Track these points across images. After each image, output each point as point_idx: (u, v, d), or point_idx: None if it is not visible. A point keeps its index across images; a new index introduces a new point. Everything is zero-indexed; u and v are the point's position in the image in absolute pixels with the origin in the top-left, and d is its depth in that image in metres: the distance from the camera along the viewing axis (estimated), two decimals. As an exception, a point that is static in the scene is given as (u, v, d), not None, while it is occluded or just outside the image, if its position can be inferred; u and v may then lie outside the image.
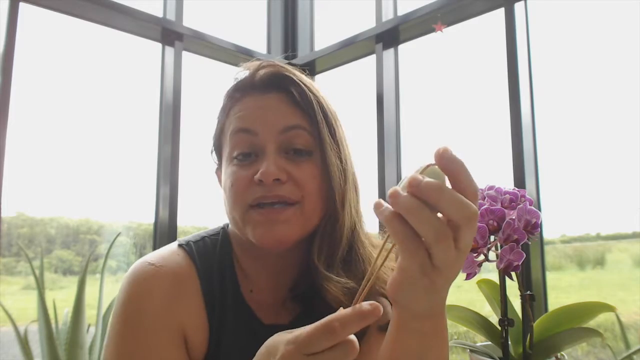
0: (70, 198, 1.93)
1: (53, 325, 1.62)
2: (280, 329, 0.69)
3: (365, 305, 0.43)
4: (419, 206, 0.39)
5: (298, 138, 0.68)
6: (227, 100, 0.74)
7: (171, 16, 2.06)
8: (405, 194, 0.40)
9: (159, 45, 2.03)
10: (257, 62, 0.73)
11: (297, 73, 0.73)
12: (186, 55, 2.09)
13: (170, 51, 2.04)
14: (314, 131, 0.69)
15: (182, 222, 1.96)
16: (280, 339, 0.46)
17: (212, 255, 0.74)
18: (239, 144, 0.68)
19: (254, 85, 0.71)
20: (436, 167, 0.41)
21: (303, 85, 0.70)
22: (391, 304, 0.51)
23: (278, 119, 0.68)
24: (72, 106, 1.93)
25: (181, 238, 0.77)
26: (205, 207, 2.11)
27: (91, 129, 1.96)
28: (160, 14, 2.05)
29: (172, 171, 1.96)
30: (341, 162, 0.70)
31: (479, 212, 0.63)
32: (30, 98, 1.78)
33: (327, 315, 0.46)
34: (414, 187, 0.39)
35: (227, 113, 0.72)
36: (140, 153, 2.05)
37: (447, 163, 0.41)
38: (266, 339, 0.68)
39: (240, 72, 0.74)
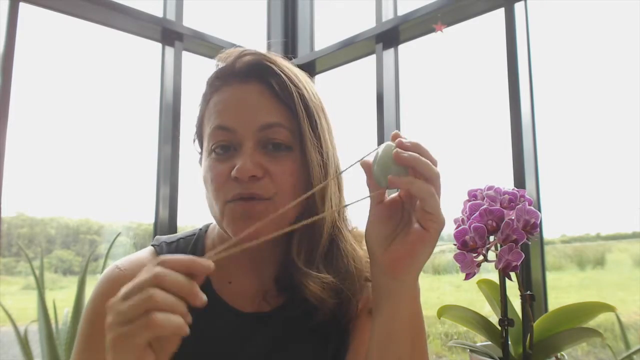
0: (70, 198, 1.93)
1: (53, 325, 1.62)
2: (262, 316, 0.71)
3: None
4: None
5: (277, 134, 0.66)
6: (207, 88, 0.72)
7: (171, 16, 2.06)
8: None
9: (159, 45, 2.03)
10: (239, 50, 0.72)
11: (280, 62, 0.70)
12: (186, 55, 2.09)
13: (170, 51, 2.04)
14: (294, 126, 0.67)
15: (182, 222, 1.96)
16: None
17: None
18: (217, 140, 0.67)
19: (234, 73, 0.69)
20: (388, 143, 0.55)
21: (284, 76, 0.68)
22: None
23: (256, 116, 0.66)
24: (72, 106, 1.93)
25: (160, 237, 0.78)
26: (205, 207, 2.11)
27: (91, 129, 1.96)
28: (160, 14, 2.05)
29: (172, 171, 1.96)
30: (322, 156, 0.69)
31: (479, 211, 0.63)
32: (30, 98, 1.78)
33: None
34: (403, 144, 0.54)
35: (207, 102, 0.71)
36: (140, 153, 2.05)
37: (408, 149, 0.54)
38: (246, 326, 0.71)
39: (221, 59, 0.72)
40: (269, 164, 0.65)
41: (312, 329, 0.70)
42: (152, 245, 0.76)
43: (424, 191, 0.52)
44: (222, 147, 0.66)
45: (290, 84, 0.68)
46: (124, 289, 0.44)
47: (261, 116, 0.66)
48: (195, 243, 0.77)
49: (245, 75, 0.69)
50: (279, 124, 0.66)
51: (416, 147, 0.54)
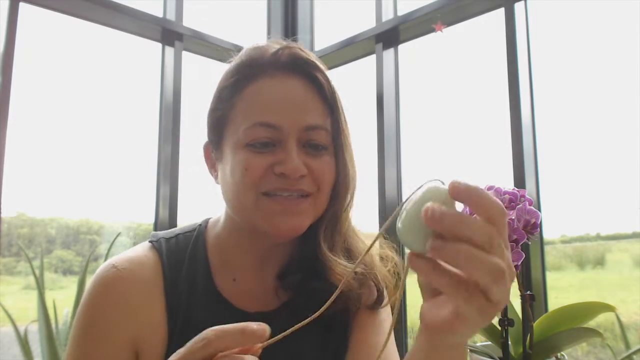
0: (70, 198, 1.93)
1: (53, 325, 1.62)
2: (267, 315, 0.70)
3: (252, 324, 0.42)
4: (473, 251, 0.35)
5: (318, 136, 0.67)
6: (239, 76, 0.68)
7: (171, 16, 2.06)
8: (443, 242, 0.36)
9: (159, 45, 2.03)
10: (279, 42, 0.71)
11: (317, 59, 0.70)
12: (186, 55, 2.09)
13: (170, 51, 2.04)
14: (334, 128, 0.68)
15: (182, 222, 1.96)
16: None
17: (182, 254, 0.72)
18: (259, 136, 0.65)
19: (276, 65, 0.67)
20: (435, 186, 0.38)
21: (325, 73, 0.69)
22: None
23: (303, 116, 0.66)
24: (72, 106, 1.92)
25: (157, 232, 0.75)
26: (205, 207, 2.11)
27: (91, 129, 1.96)
28: (160, 14, 2.05)
29: (172, 171, 1.96)
30: (352, 153, 0.72)
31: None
32: (30, 98, 1.78)
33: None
34: (437, 221, 0.35)
35: (241, 91, 0.67)
36: (140, 153, 2.05)
37: (463, 193, 0.37)
38: None
39: (254, 49, 0.70)
40: (312, 163, 0.66)
41: (317, 324, 0.70)
42: (150, 242, 0.73)
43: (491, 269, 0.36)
44: (262, 143, 0.65)
45: (332, 85, 0.69)
46: None
47: (307, 116, 0.66)
48: (196, 239, 0.75)
49: (287, 68, 0.68)
50: (322, 126, 0.67)
51: (474, 190, 0.38)
